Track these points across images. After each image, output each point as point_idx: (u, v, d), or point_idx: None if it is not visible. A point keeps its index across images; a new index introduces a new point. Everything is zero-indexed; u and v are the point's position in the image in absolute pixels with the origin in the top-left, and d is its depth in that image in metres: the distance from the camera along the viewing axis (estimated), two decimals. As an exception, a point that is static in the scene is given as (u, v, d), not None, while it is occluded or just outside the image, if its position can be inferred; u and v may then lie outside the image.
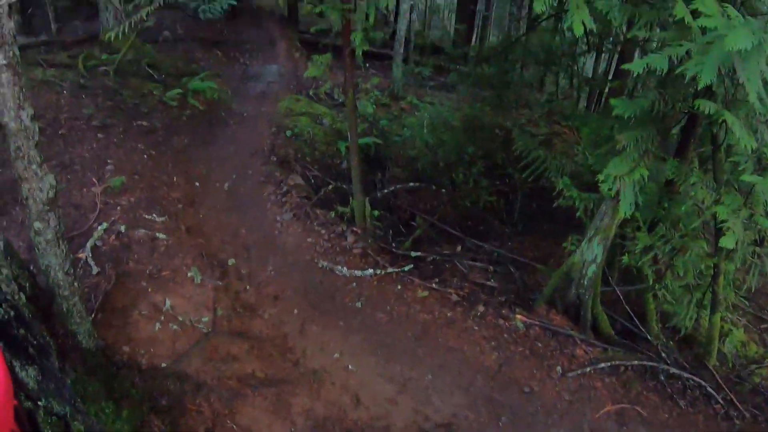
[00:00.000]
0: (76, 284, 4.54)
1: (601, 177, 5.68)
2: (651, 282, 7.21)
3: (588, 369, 6.34)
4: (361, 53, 6.87)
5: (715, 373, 6.56)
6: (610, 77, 10.47)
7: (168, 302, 6.05)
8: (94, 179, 7.39)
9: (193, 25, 14.20)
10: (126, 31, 6.90)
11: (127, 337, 5.50)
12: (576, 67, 9.51)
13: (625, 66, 4.82)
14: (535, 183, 8.41)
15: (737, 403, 6.16)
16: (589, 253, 6.83)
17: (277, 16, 16.43)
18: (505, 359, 6.44)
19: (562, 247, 8.87)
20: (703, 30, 4.40)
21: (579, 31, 4.74)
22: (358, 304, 7.02)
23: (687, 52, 4.46)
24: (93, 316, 5.37)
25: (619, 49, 10.24)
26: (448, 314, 6.97)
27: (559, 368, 6.37)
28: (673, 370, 6.41)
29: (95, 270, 6.01)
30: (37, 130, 3.92)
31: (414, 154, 10.27)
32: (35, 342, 3.57)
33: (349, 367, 6.16)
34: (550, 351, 6.59)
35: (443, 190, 9.58)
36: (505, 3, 15.59)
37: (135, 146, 8.58)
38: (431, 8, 18.79)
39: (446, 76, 13.48)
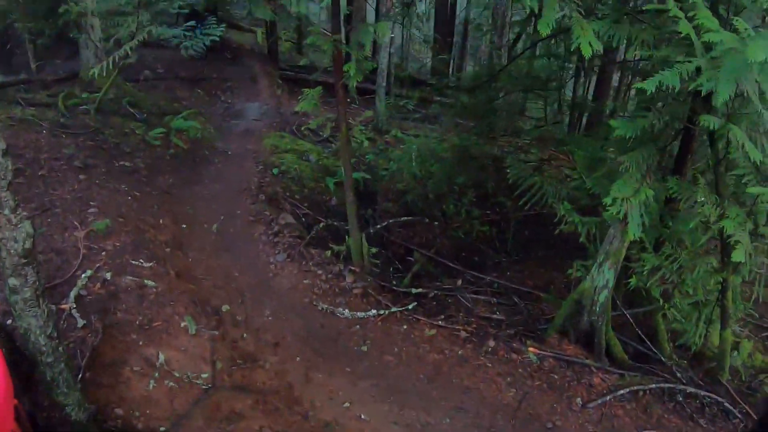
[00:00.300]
0: (61, 349, 3.79)
1: (608, 200, 5.36)
2: (660, 302, 6.82)
3: (608, 398, 5.86)
4: (355, 85, 6.34)
5: (729, 387, 6.20)
6: (590, 99, 10.23)
7: (162, 356, 5.30)
8: (76, 222, 6.61)
9: (173, 64, 13.60)
10: (108, 67, 6.36)
11: (119, 397, 4.73)
12: (564, 92, 9.17)
13: (638, 85, 4.45)
14: (527, 210, 7.94)
15: (753, 416, 5.82)
16: (600, 279, 6.38)
17: (256, 53, 15.87)
18: (524, 395, 5.86)
19: (560, 273, 8.50)
20: (707, 46, 4.13)
21: (587, 52, 4.40)
22: (364, 348, 6.37)
23: (697, 68, 4.21)
24: (80, 375, 4.60)
25: (597, 71, 10.03)
26: (459, 352, 6.36)
27: (579, 400, 5.84)
28: (690, 389, 6.04)
29: (80, 323, 5.22)
30: (9, 166, 3.20)
31: (402, 187, 9.72)
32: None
33: (362, 416, 5.48)
34: (568, 382, 6.05)
35: (436, 223, 9.03)
36: (479, 34, 15.37)
37: (118, 187, 7.82)
38: (408, 41, 18.50)
39: (427, 108, 13.14)
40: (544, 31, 4.42)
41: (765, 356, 7.44)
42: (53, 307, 3.86)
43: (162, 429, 4.62)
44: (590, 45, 4.42)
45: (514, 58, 8.73)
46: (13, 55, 12.19)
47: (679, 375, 6.25)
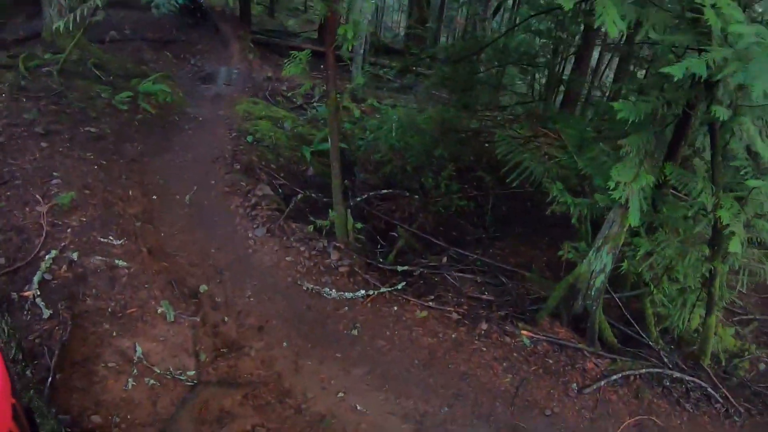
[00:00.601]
0: (29, 372, 3.01)
1: (611, 184, 5.04)
2: (651, 287, 6.54)
3: (602, 383, 5.54)
4: (349, 48, 5.60)
5: (710, 373, 6.00)
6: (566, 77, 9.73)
7: (139, 349, 4.57)
8: (38, 196, 5.70)
9: (141, 25, 12.42)
10: (71, 25, 5.41)
11: (94, 401, 4.00)
12: (555, 69, 8.61)
13: (665, 69, 3.99)
14: (512, 188, 7.44)
15: (732, 400, 5.67)
16: (598, 263, 5.98)
17: (228, 15, 14.62)
18: (521, 381, 5.44)
19: (540, 251, 8.13)
20: (725, 35, 3.92)
21: (613, 32, 3.95)
22: (354, 332, 5.77)
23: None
24: (50, 379, 3.82)
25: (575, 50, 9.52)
26: (453, 335, 5.84)
27: (574, 385, 5.49)
28: (676, 374, 5.81)
29: (46, 313, 4.43)
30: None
31: (380, 158, 9.03)
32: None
33: (358, 407, 4.95)
34: (562, 367, 5.66)
35: (416, 196, 8.41)
36: (456, 5, 14.54)
37: (83, 155, 6.86)
38: (383, 10, 17.49)
39: (403, 78, 12.37)
40: (567, 6, 3.89)
41: (737, 340, 7.30)
42: (10, 324, 3.01)
43: (146, 437, 3.92)
44: (615, 24, 3.93)
45: (507, 32, 8.09)
46: (-30, 18, 10.83)
47: (666, 360, 6.02)
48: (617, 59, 10.13)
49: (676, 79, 3.93)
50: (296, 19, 17.57)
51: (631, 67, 9.18)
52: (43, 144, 6.77)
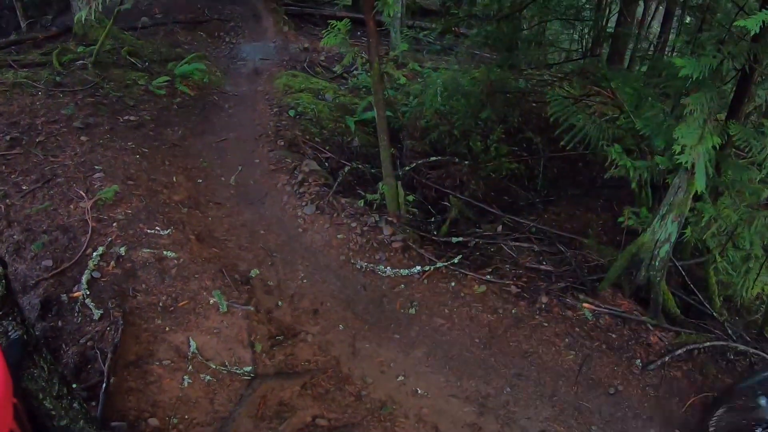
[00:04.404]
0: (76, 404, 2.77)
1: (677, 148, 4.56)
2: (716, 255, 6.01)
3: (666, 358, 5.12)
4: (390, 13, 5.11)
5: None
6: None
7: (193, 343, 4.36)
8: (81, 192, 5.52)
9: (171, 7, 12.07)
10: (94, 14, 5.13)
11: (151, 403, 3.82)
12: (602, 22, 7.88)
13: (740, 22, 3.63)
14: (567, 150, 6.88)
15: None
16: (663, 232, 5.52)
17: (257, -11, 14.14)
18: (584, 358, 5.08)
19: (594, 215, 7.60)
20: None
21: None
22: (412, 311, 5.46)
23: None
24: (105, 385, 3.63)
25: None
26: (513, 311, 5.48)
27: (638, 361, 5.09)
28: (740, 346, 5.35)
29: (96, 313, 4.25)
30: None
31: (425, 124, 8.55)
32: None
33: (418, 391, 4.69)
34: (626, 342, 5.26)
35: (465, 162, 7.93)
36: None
37: (124, 145, 6.65)
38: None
39: (442, 40, 11.70)
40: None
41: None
42: (56, 368, 2.74)
43: (205, 438, 3.72)
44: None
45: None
46: (0, 17, 10.76)
47: (730, 332, 5.57)
48: (664, 9, 9.23)
49: (752, 33, 3.55)
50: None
51: (681, 18, 8.34)
52: (83, 138, 6.59)
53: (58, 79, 7.94)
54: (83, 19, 4.88)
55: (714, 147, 4.72)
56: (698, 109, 4.54)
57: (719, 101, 4.92)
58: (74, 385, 3.40)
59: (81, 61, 8.58)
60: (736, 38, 4.41)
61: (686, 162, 4.56)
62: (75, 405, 2.75)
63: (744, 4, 4.93)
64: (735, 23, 3.70)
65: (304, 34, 12.59)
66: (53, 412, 2.63)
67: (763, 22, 3.48)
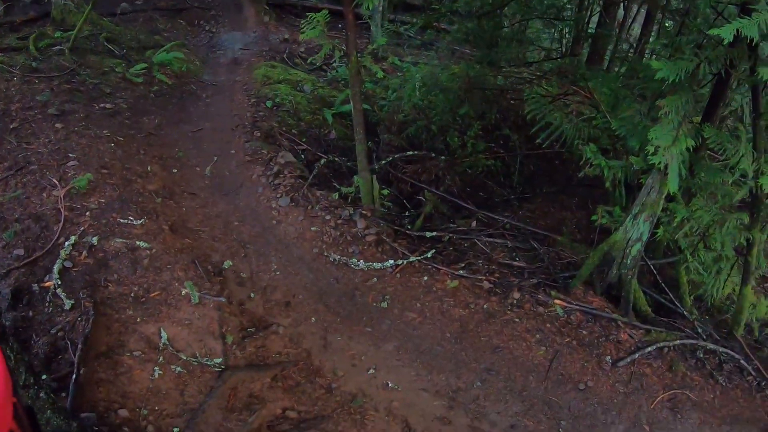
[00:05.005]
0: (43, 395, 2.74)
1: (650, 149, 4.62)
2: (688, 255, 6.12)
3: (636, 355, 5.25)
4: (370, 6, 5.11)
5: (743, 344, 5.68)
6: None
7: (164, 334, 4.36)
8: (54, 180, 5.46)
9: (152, -6, 12.00)
10: None
11: (121, 394, 3.83)
12: (583, 22, 7.97)
13: (714, 31, 3.71)
14: (543, 148, 6.97)
15: (764, 372, 5.35)
16: (635, 231, 5.63)
17: (241, -21, 13.96)
18: (554, 354, 5.17)
19: (569, 213, 7.72)
20: None
21: None
22: (384, 304, 5.51)
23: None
24: (75, 376, 3.61)
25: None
26: (484, 306, 5.55)
27: (608, 358, 5.19)
28: (709, 345, 5.48)
29: (68, 303, 4.23)
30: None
31: (403, 118, 8.57)
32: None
33: (389, 384, 4.76)
34: (596, 338, 5.36)
35: (442, 157, 7.98)
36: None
37: (99, 133, 6.58)
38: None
39: (423, 35, 11.71)
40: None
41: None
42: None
43: (175, 430, 3.72)
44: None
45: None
46: (-24, 1, 10.57)
47: (700, 330, 5.70)
48: (645, 12, 9.36)
49: (726, 41, 3.61)
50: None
51: (660, 22, 8.45)
52: (58, 125, 6.51)
53: (34, 64, 7.83)
54: (62, 3, 4.78)
55: (688, 149, 4.84)
56: (673, 111, 4.61)
57: (695, 104, 5.03)
58: (44, 376, 3.38)
59: (58, 47, 8.45)
60: (713, 43, 4.46)
61: (659, 163, 4.62)
62: (42, 395, 2.74)
63: (723, 10, 5.03)
64: (710, 31, 3.76)
65: (284, 24, 12.51)
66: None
67: (738, 30, 3.55)
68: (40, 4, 10.30)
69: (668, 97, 4.67)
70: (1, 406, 1.90)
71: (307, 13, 5.62)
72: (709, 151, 5.99)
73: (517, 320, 5.44)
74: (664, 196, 5.37)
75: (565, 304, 5.64)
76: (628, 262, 5.73)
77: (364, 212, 6.40)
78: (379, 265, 5.85)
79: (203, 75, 9.49)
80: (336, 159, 7.58)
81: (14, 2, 10.55)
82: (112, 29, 9.84)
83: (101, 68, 8.26)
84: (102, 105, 7.36)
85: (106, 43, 9.15)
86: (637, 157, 5.43)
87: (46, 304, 4.27)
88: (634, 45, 9.50)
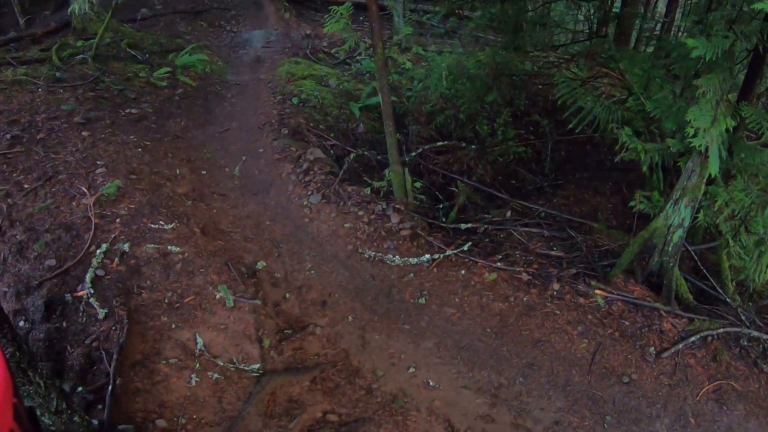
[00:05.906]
0: (76, 418, 2.63)
1: (690, 131, 4.39)
2: (729, 239, 5.78)
3: (680, 345, 4.99)
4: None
5: None
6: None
7: (200, 340, 4.26)
8: (83, 188, 5.40)
9: (171, -2, 12.03)
10: (96, 3, 4.98)
11: (158, 403, 3.73)
12: (608, 2, 7.62)
13: (757, 6, 3.50)
14: (576, 134, 6.69)
15: None
16: (676, 217, 5.34)
17: (258, -24, 13.89)
18: (597, 346, 4.94)
19: (603, 198, 7.43)
20: None
21: None
22: (422, 300, 5.33)
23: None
24: (111, 387, 3.51)
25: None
26: (524, 299, 5.33)
27: (652, 349, 4.95)
28: (753, 332, 5.21)
29: (101, 313, 4.14)
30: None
31: (430, 108, 8.35)
32: None
33: (430, 383, 4.59)
34: (639, 329, 5.11)
35: (472, 146, 7.75)
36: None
37: (126, 139, 6.53)
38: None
39: (446, 23, 11.45)
40: None
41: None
42: (58, 384, 2.63)
43: (214, 439, 3.61)
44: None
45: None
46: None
47: (743, 317, 5.41)
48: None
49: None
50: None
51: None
52: (85, 133, 6.47)
53: (57, 74, 7.83)
54: (77, 11, 4.70)
55: (727, 129, 4.57)
56: (711, 91, 4.37)
57: (730, 82, 4.76)
58: (80, 389, 3.30)
59: (81, 56, 8.47)
60: (747, 18, 4.24)
61: (700, 145, 4.39)
62: (75, 419, 2.64)
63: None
64: (753, 5, 3.48)
65: (305, 20, 12.39)
66: (53, 428, 2.53)
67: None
68: (61, 15, 10.38)
69: (704, 76, 4.43)
70: (2, 406, 1.86)
71: (330, 7, 5.46)
72: (746, 131, 5.69)
73: (557, 312, 5.22)
74: (705, 180, 5.09)
75: (605, 294, 5.39)
76: (670, 249, 5.45)
77: (397, 206, 6.22)
78: (415, 260, 5.68)
79: (227, 75, 9.41)
80: (365, 153, 7.41)
81: (35, 15, 10.73)
82: (133, 35, 9.86)
83: (125, 74, 8.26)
84: (127, 111, 7.34)
85: (128, 49, 9.18)
86: (674, 139, 5.17)
87: (80, 314, 4.21)
88: (661, 23, 9.12)
